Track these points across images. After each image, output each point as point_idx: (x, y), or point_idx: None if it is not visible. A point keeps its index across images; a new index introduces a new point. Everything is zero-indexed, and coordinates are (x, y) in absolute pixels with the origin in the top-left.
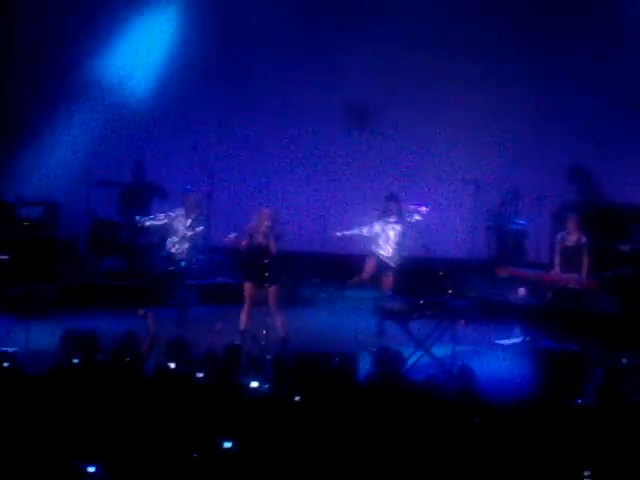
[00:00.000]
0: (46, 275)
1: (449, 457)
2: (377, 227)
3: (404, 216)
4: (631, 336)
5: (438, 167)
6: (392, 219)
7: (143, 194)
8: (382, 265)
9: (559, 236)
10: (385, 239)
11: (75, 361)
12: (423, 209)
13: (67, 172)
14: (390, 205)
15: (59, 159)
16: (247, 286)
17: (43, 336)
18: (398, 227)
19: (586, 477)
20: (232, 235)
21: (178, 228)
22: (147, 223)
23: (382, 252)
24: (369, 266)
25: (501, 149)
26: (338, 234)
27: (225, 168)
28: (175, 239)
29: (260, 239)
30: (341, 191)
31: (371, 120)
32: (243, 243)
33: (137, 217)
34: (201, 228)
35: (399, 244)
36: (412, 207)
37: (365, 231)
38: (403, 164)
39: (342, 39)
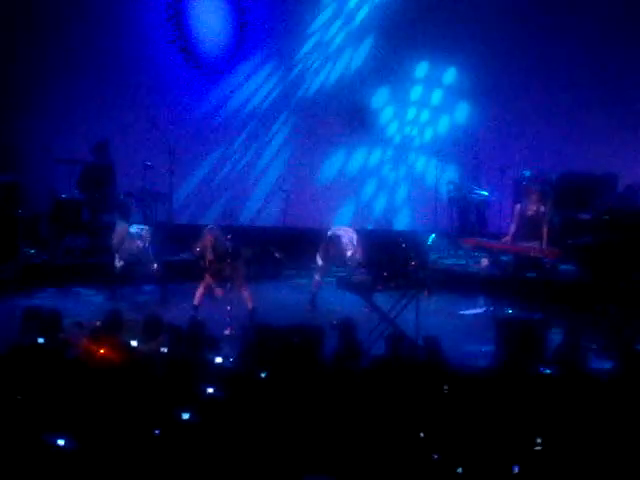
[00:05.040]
0: (6, 254)
1: (419, 425)
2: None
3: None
4: (592, 302)
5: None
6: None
7: (105, 174)
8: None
9: (519, 206)
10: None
11: (40, 340)
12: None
13: (27, 149)
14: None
15: (19, 136)
16: (207, 277)
17: (2, 316)
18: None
19: (538, 444)
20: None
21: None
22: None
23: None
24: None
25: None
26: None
27: (185, 145)
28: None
29: (211, 257)
30: (304, 167)
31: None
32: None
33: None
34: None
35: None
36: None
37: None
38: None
39: None
